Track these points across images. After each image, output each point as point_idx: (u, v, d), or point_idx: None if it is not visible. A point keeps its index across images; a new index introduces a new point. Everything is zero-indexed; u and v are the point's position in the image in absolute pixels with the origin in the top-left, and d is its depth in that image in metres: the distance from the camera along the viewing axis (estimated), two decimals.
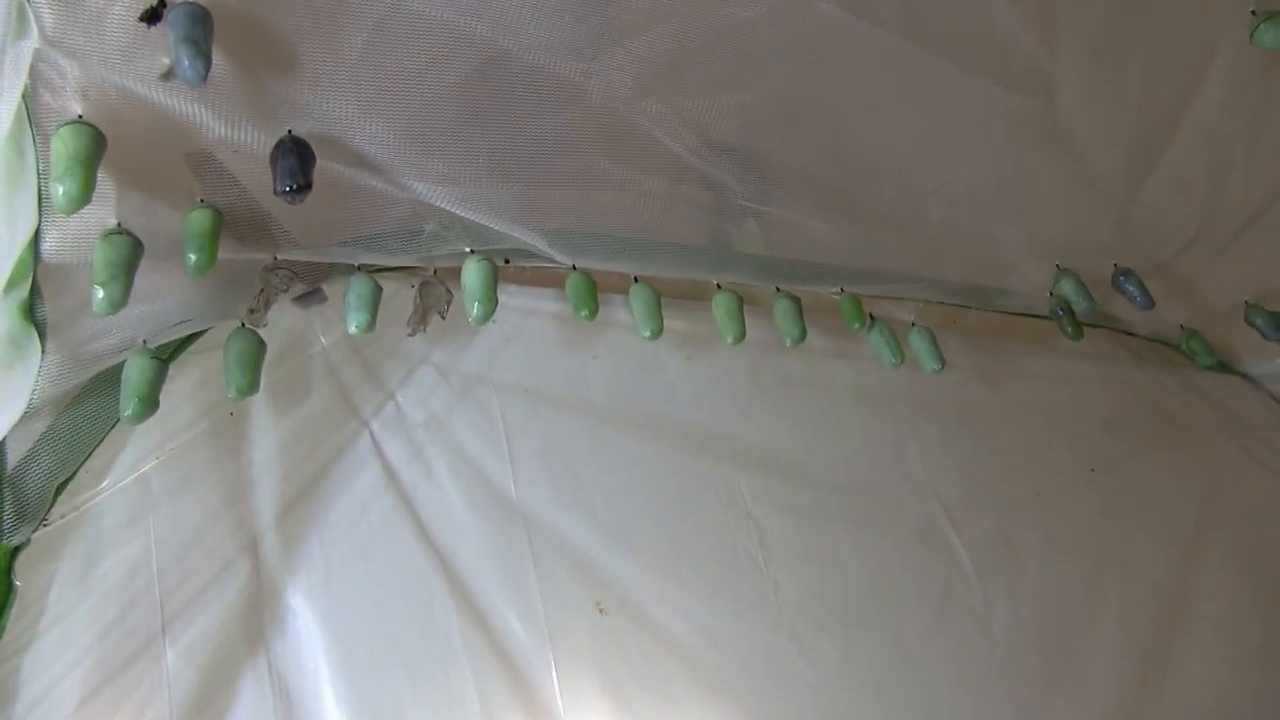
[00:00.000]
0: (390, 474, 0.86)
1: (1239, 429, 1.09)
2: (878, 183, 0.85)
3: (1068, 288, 0.95)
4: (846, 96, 0.79)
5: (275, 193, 0.63)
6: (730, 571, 0.91)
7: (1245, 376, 1.15)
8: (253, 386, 0.73)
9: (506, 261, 0.83)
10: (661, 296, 0.84)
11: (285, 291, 0.75)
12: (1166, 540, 1.04)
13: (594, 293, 0.82)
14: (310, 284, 0.84)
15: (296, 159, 0.64)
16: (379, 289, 0.76)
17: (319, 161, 0.66)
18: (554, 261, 0.82)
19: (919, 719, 0.92)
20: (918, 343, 0.93)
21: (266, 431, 0.84)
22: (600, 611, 0.86)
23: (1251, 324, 1.02)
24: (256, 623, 0.81)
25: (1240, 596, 1.03)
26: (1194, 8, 0.79)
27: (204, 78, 0.56)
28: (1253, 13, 0.76)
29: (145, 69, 0.59)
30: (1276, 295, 1.01)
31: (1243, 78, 0.81)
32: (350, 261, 0.78)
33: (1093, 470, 1.04)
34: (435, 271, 0.82)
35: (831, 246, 0.90)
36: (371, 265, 0.79)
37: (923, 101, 0.80)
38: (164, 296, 0.74)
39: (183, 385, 0.81)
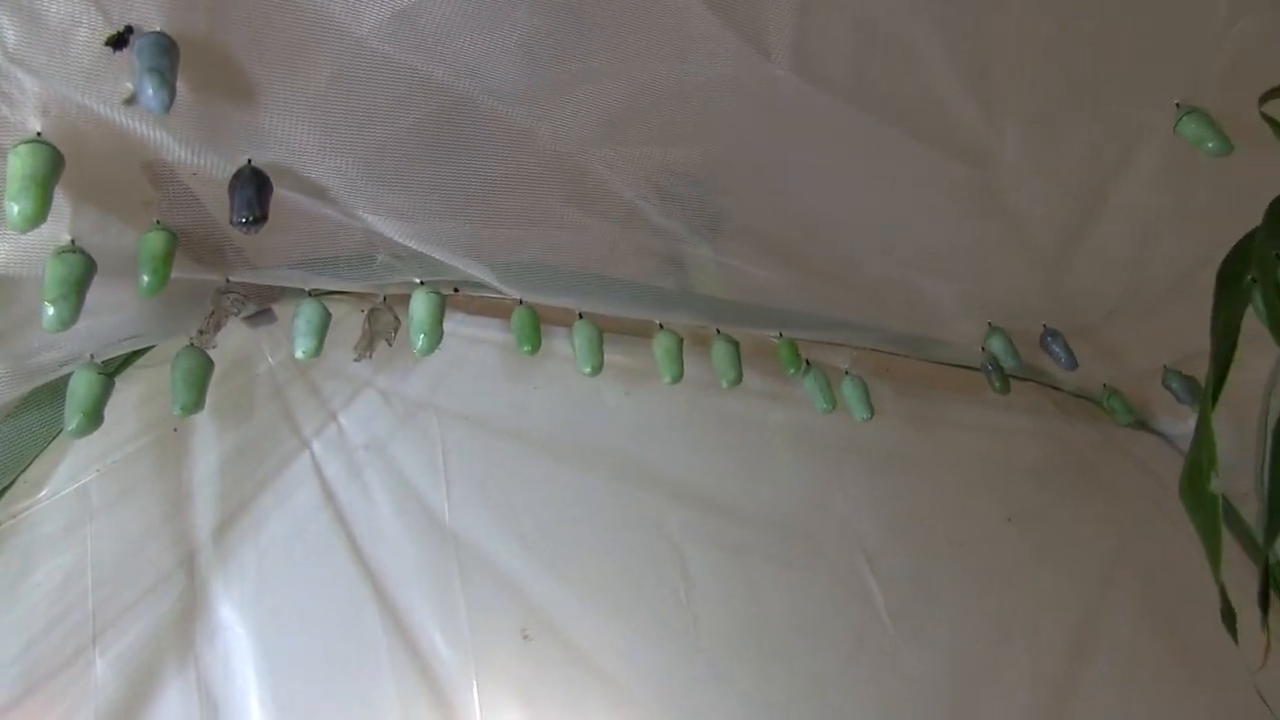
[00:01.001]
0: (328, 493, 0.88)
1: (1152, 484, 1.13)
2: (821, 239, 0.88)
3: (997, 345, 0.99)
4: (795, 158, 0.81)
5: (230, 223, 0.64)
6: (654, 602, 0.93)
7: (1161, 435, 1.19)
8: (198, 405, 0.74)
9: (456, 290, 0.85)
10: (604, 332, 0.86)
11: (236, 314, 0.77)
12: (1077, 588, 1.07)
13: (538, 328, 0.84)
14: (261, 304, 0.85)
15: (254, 190, 0.65)
16: (328, 315, 0.78)
17: (276, 190, 0.67)
18: (502, 294, 0.85)
19: None
20: (849, 391, 0.96)
21: (209, 448, 0.86)
22: (525, 637, 0.88)
23: (1168, 387, 1.06)
24: (188, 635, 0.82)
25: (1143, 643, 1.07)
26: (1128, 91, 0.82)
27: (168, 108, 0.57)
28: (1177, 105, 0.80)
29: (108, 91, 0.60)
30: (1192, 361, 1.04)
31: (1170, 159, 0.85)
32: (301, 286, 0.79)
33: (1009, 520, 1.07)
34: (385, 299, 0.84)
35: (773, 293, 0.93)
36: (322, 289, 0.81)
37: (868, 166, 0.83)
38: (114, 312, 0.75)
39: (127, 399, 0.82)
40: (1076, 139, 0.85)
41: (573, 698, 0.88)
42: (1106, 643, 1.05)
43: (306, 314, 0.78)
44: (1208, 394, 0.83)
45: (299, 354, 0.77)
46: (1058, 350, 1.00)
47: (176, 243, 0.70)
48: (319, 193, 0.71)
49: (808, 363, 0.95)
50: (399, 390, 0.92)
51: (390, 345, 0.84)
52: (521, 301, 0.85)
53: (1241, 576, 0.92)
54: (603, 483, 0.95)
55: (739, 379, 0.90)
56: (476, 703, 0.85)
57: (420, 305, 0.79)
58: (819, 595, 0.98)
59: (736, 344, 0.91)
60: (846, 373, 0.97)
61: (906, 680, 0.97)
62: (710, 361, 0.92)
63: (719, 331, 0.91)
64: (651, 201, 0.80)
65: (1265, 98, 0.76)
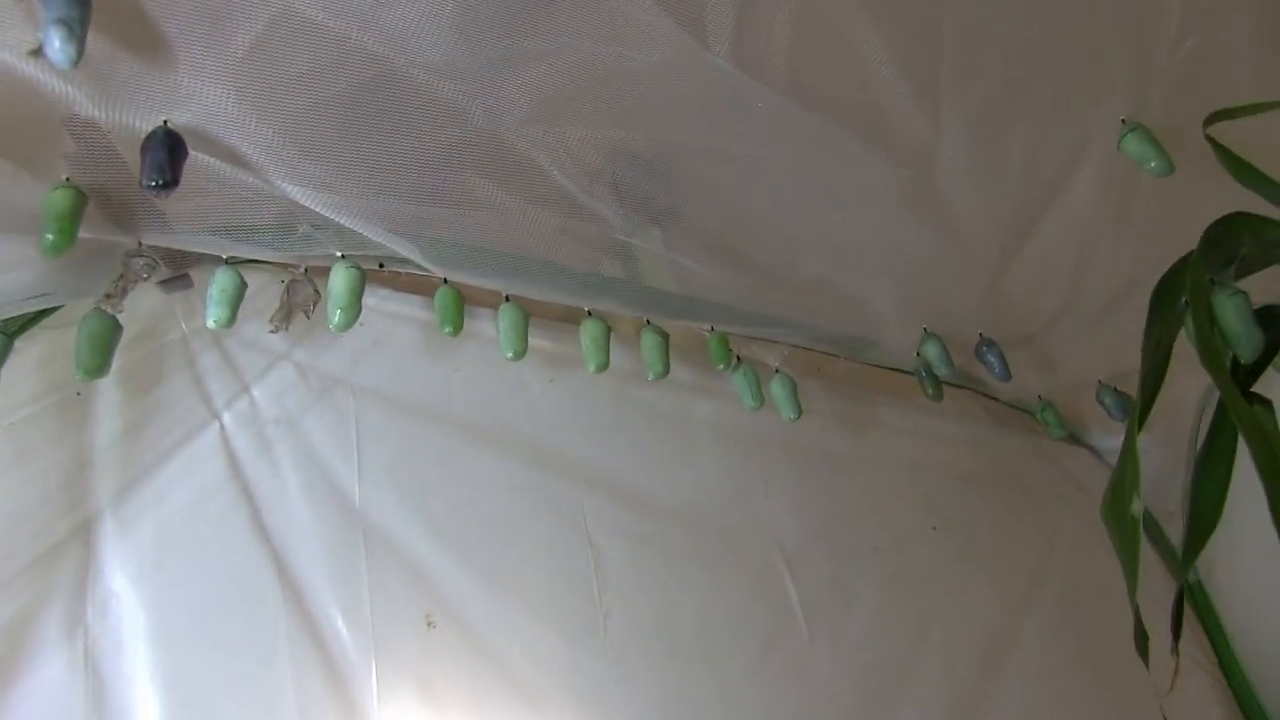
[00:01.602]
0: (235, 467, 0.86)
1: (1079, 498, 1.14)
2: (757, 235, 0.87)
3: (932, 352, 0.98)
4: (733, 151, 0.80)
5: (140, 185, 0.62)
6: (564, 594, 0.92)
7: (1091, 449, 1.20)
8: (103, 369, 0.72)
9: (381, 266, 0.83)
10: (531, 316, 0.84)
11: (146, 279, 0.74)
12: (997, 598, 1.08)
13: (461, 309, 0.82)
14: (176, 269, 0.83)
15: (166, 153, 0.63)
16: (243, 285, 0.76)
17: (193, 154, 0.65)
18: (427, 271, 0.83)
19: None
20: (778, 389, 0.95)
21: (113, 414, 0.83)
22: (429, 624, 0.87)
23: (1101, 402, 1.06)
24: (79, 606, 0.80)
25: (1058, 656, 1.07)
26: (1074, 103, 0.82)
27: (75, 63, 0.54)
28: (1122, 121, 0.80)
29: (13, 39, 0.58)
30: (1127, 377, 1.04)
31: (1114, 172, 0.85)
32: (219, 254, 0.77)
33: (934, 527, 1.07)
34: (305, 270, 0.82)
35: (706, 287, 0.91)
36: (240, 258, 0.79)
37: (806, 162, 0.82)
38: (20, 269, 0.72)
39: (28, 359, 0.80)
40: (1020, 148, 0.85)
41: (474, 689, 0.87)
42: (1021, 655, 1.05)
43: (221, 282, 0.75)
44: (1135, 415, 0.83)
45: (211, 323, 0.74)
46: (992, 360, 0.99)
47: (85, 201, 0.67)
48: (239, 159, 0.69)
49: (738, 358, 0.94)
50: (315, 365, 0.90)
51: (309, 319, 0.82)
52: (446, 281, 0.83)
53: (1160, 592, 0.93)
54: (520, 471, 0.94)
55: (666, 371, 0.88)
56: (374, 689, 0.84)
57: (339, 280, 0.77)
58: (734, 594, 0.97)
59: (666, 336, 0.90)
60: (776, 370, 0.96)
61: (818, 683, 0.97)
62: (637, 352, 0.90)
63: (648, 322, 0.90)
64: (583, 186, 0.79)
65: (1210, 119, 0.75)
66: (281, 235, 0.78)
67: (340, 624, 0.85)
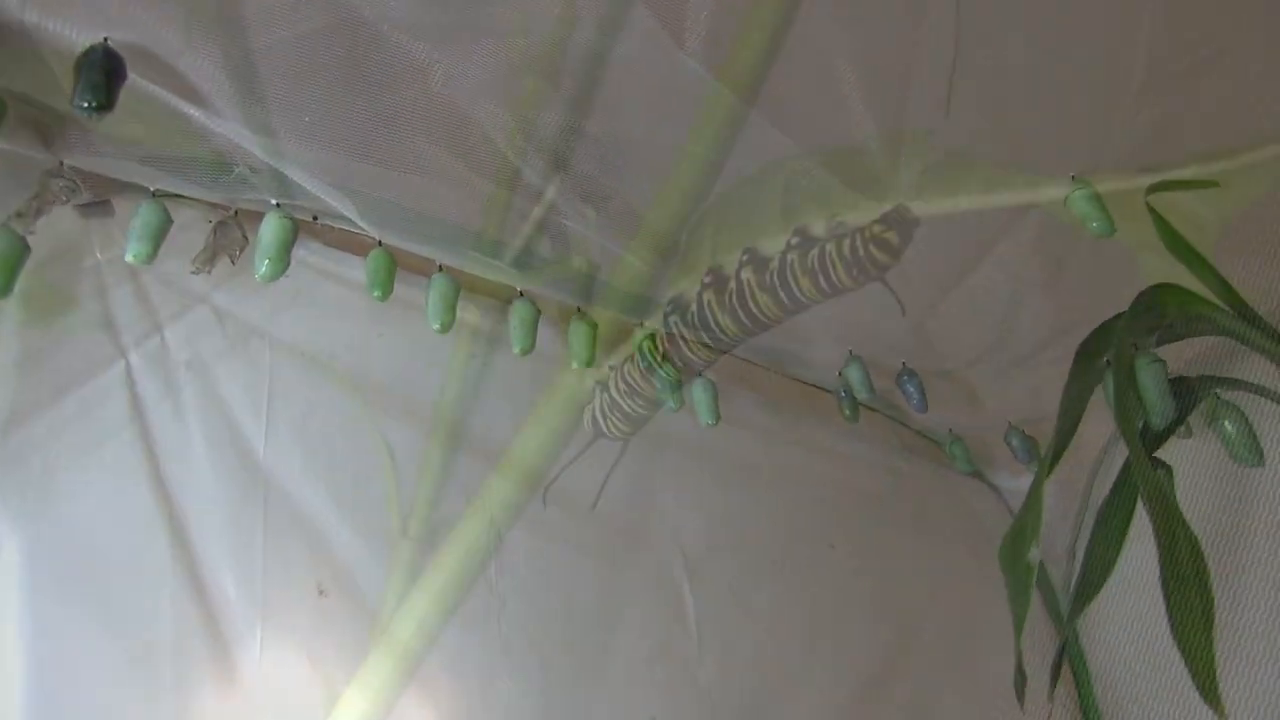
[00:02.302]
0: (138, 409, 0.82)
1: (975, 534, 1.15)
2: (697, 234, 0.86)
3: (854, 375, 0.99)
4: (689, 149, 0.79)
5: (70, 104, 0.59)
6: (461, 578, 0.89)
7: (993, 487, 1.22)
8: (5, 290, 0.68)
9: (315, 219, 0.80)
10: (462, 289, 0.82)
11: (65, 203, 0.71)
12: (885, 622, 1.09)
13: (392, 273, 0.79)
14: (98, 194, 0.79)
15: (103, 75, 0.60)
16: (168, 221, 0.72)
17: (131, 77, 0.62)
18: (362, 230, 0.80)
19: None
20: (699, 394, 0.94)
21: (10, 338, 0.79)
22: (320, 592, 0.85)
23: (1009, 443, 1.07)
24: None
25: (938, 687, 1.09)
26: (1030, 152, 0.82)
27: None
28: (1073, 177, 0.80)
29: None
30: (1036, 423, 1.07)
31: (1054, 227, 0.85)
32: (146, 185, 0.73)
33: (832, 546, 1.08)
34: (236, 213, 0.79)
35: (643, 280, 0.90)
36: (169, 192, 0.75)
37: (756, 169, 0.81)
38: None
39: None
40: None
41: (360, 662, 0.85)
42: (903, 680, 1.07)
43: (145, 216, 0.71)
44: (1043, 466, 0.85)
45: (129, 257, 0.71)
46: (911, 390, 1.00)
47: (3, 109, 0.64)
48: (180, 90, 0.66)
49: (664, 356, 0.93)
50: (235, 312, 0.87)
51: (234, 264, 0.79)
52: (380, 243, 0.80)
53: (1037, 632, 0.95)
54: (430, 446, 0.92)
55: (591, 361, 0.87)
56: (258, 654, 0.82)
57: (270, 229, 0.74)
58: (630, 595, 0.97)
59: (595, 326, 0.88)
60: (700, 374, 0.96)
61: (701, 691, 0.97)
62: (565, 339, 0.88)
63: (580, 310, 0.88)
64: (532, 165, 0.77)
65: (1152, 189, 0.77)
66: (215, 174, 0.75)
67: (229, 585, 0.83)
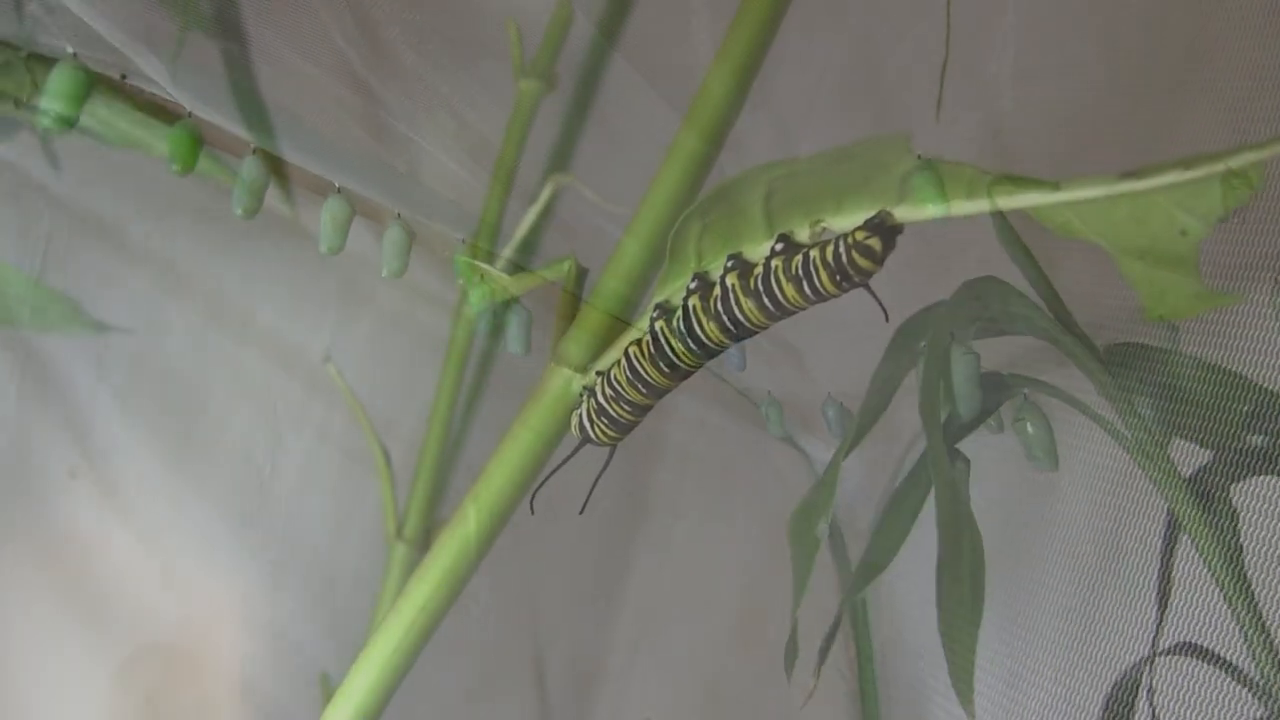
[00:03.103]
0: None
1: (780, 496, 1.15)
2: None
3: None
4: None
5: None
6: (231, 473, 0.87)
7: (804, 453, 1.21)
8: None
9: (124, 77, 0.73)
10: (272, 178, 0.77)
11: None
12: (677, 570, 1.10)
13: (197, 148, 0.73)
14: None
15: None
16: None
17: None
18: (171, 98, 0.74)
19: None
20: (513, 321, 0.90)
21: None
22: (70, 475, 0.79)
23: (824, 414, 1.08)
24: None
25: (717, 638, 1.11)
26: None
27: None
28: (919, 155, 0.79)
29: None
30: (856, 397, 1.07)
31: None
32: None
33: (630, 494, 1.07)
34: (27, 56, 0.71)
35: (469, 192, 0.87)
36: None
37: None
38: None
39: None
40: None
41: (99, 550, 0.80)
42: (682, 629, 1.07)
43: None
44: (844, 443, 0.84)
45: None
46: (731, 350, 0.99)
47: None
48: None
49: (482, 277, 0.89)
50: (13, 161, 0.79)
51: (17, 109, 0.72)
52: (191, 114, 0.74)
53: (830, 603, 0.96)
54: (222, 339, 0.87)
55: (402, 271, 0.82)
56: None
57: (61, 78, 0.68)
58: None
59: (411, 235, 0.83)
60: (516, 300, 0.92)
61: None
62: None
63: (399, 215, 0.83)
64: (364, 63, 0.73)
65: (994, 183, 0.76)
66: (4, 8, 0.69)
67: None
